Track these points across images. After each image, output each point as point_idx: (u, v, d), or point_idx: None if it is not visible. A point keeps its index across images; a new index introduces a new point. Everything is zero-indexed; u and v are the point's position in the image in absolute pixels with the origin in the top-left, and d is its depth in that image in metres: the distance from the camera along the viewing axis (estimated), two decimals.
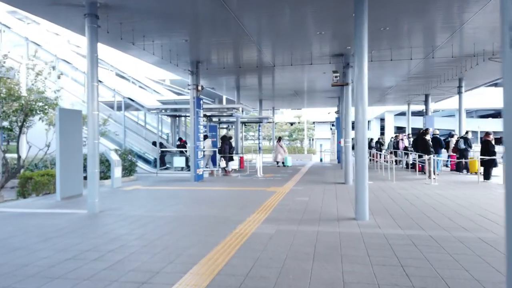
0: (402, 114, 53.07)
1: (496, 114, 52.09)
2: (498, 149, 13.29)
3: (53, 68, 12.79)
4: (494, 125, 47.92)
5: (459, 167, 16.29)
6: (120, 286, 3.84)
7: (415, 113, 38.41)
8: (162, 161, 17.77)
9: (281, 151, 21.28)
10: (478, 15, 9.14)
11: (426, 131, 14.80)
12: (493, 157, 12.81)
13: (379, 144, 24.45)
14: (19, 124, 11.20)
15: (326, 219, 6.99)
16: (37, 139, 13.54)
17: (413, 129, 31.08)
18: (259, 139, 25.56)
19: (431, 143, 14.33)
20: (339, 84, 12.77)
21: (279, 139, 22.35)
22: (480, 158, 12.94)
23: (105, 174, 13.29)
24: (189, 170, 15.47)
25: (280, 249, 5.04)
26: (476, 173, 15.43)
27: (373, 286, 3.78)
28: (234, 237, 5.71)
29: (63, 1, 7.81)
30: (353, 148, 20.74)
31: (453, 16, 9.37)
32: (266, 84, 19.82)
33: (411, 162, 17.59)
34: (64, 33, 24.48)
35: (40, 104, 11.22)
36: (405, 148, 19.37)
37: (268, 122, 28.40)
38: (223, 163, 15.30)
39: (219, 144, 18.26)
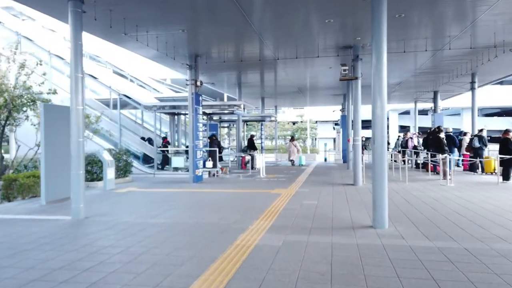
0: (406, 113, 52.27)
1: (501, 112, 51.09)
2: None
3: (40, 62, 11.94)
4: (500, 124, 46.95)
5: (473, 167, 15.41)
6: None
7: (419, 112, 37.44)
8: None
9: (294, 151, 21.18)
10: (501, 1, 8.30)
11: (439, 129, 13.92)
12: None
13: None
14: (2, 121, 10.38)
15: (339, 227, 6.14)
16: (28, 138, 12.75)
17: (419, 128, 30.18)
18: (261, 138, 24.70)
19: (445, 142, 13.44)
20: (348, 78, 11.90)
21: (292, 138, 22.25)
22: (500, 158, 12.06)
23: (98, 175, 12.48)
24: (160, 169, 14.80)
25: (289, 268, 4.20)
26: (492, 173, 14.59)
27: None
28: (235, 250, 4.87)
29: None
30: (363, 147, 20.10)
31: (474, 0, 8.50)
32: (268, 80, 18.97)
33: (421, 161, 16.73)
34: (60, 30, 23.71)
35: (24, 100, 10.38)
36: (415, 147, 18.47)
37: (271, 121, 27.52)
38: (209, 163, 14.51)
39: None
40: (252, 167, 18.04)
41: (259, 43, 11.60)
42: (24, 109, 10.63)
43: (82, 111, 7.17)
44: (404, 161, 15.12)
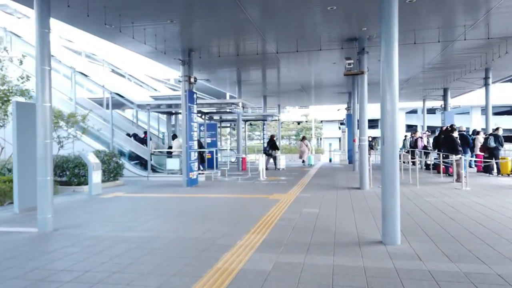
0: (413, 112, 51.00)
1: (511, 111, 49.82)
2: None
3: (23, 56, 11.13)
4: (511, 123, 45.61)
5: (487, 168, 14.38)
6: None
7: (426, 111, 36.25)
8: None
9: (305, 150, 21.16)
10: None
11: (452, 128, 12.91)
12: None
13: None
14: None
15: (343, 243, 5.21)
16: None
17: (427, 127, 29.05)
18: (263, 138, 23.80)
19: (459, 141, 12.44)
20: (353, 73, 10.96)
21: (303, 138, 22.24)
22: None
23: (86, 179, 11.62)
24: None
25: None
26: (508, 174, 13.58)
27: None
28: (214, 277, 3.96)
29: None
30: (370, 147, 19.12)
31: None
32: (269, 77, 18.04)
33: (432, 162, 15.71)
34: (56, 28, 22.98)
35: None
36: (425, 147, 17.42)
37: (273, 120, 26.60)
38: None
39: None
40: (276, 168, 18.36)
41: (255, 34, 10.65)
42: (3, 107, 9.79)
43: (50, 108, 6.30)
44: (413, 162, 14.13)
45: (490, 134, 14.38)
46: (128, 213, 7.66)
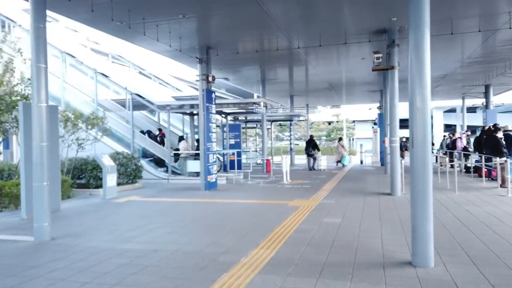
0: (451, 110, 48.38)
1: None
2: None
3: (21, 55, 10.98)
4: None
5: None
6: None
7: (466, 109, 34.20)
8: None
9: (342, 151, 20.96)
10: None
11: (496, 128, 11.67)
12: None
13: None
14: None
15: (364, 263, 4.43)
16: None
17: (467, 127, 27.23)
18: (290, 139, 23.03)
19: (503, 142, 11.19)
20: (382, 68, 10.04)
21: (340, 139, 22.29)
22: None
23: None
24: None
25: None
26: None
27: None
28: None
29: None
30: (403, 148, 17.95)
31: None
32: (295, 76, 17.26)
33: (473, 165, 14.39)
34: (83, 30, 23.22)
35: (14, 98, 9.34)
36: (465, 149, 16.03)
37: (300, 120, 25.74)
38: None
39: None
40: (313, 168, 18.18)
41: (274, 28, 9.91)
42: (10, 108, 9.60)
43: (46, 109, 5.89)
44: (452, 165, 12.94)
45: None
46: (136, 220, 7.17)
